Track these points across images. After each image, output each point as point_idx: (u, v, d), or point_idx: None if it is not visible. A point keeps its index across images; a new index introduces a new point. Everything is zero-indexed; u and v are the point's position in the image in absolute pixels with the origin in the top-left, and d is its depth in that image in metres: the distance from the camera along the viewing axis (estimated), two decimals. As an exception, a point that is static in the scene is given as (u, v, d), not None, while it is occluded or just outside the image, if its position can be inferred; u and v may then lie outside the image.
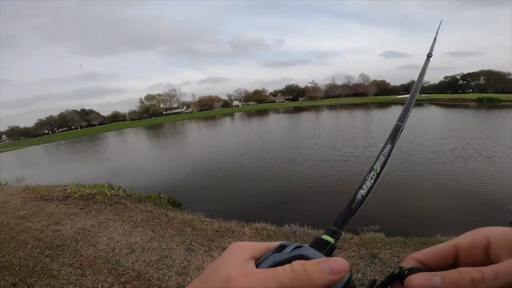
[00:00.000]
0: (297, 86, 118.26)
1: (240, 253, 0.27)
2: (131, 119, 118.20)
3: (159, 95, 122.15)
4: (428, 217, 5.18)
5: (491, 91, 74.79)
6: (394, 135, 0.40)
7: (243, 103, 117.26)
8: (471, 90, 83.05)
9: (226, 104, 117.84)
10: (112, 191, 6.46)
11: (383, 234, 3.88)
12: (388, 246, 3.44)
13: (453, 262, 0.26)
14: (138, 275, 2.95)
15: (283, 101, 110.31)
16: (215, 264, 0.26)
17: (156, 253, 3.44)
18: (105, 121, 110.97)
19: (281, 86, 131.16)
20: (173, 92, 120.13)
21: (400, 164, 8.53)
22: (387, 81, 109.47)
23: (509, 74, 78.94)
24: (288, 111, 51.55)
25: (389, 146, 0.38)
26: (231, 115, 58.00)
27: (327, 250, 0.29)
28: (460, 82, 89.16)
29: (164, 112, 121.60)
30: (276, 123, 28.35)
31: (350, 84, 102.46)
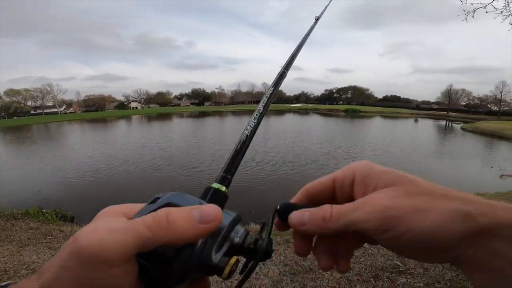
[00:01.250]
0: (204, 90, 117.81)
1: (108, 213, 0.24)
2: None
3: (26, 90, 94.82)
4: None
5: (355, 103, 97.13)
6: (278, 81, 0.43)
7: (143, 106, 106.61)
8: (341, 102, 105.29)
9: (122, 105, 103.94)
10: (-31, 209, 5.14)
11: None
12: (296, 231, 3.97)
13: (333, 195, 0.28)
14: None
15: (188, 105, 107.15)
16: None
17: (68, 271, 2.86)
18: None
19: (187, 90, 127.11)
20: (48, 88, 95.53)
21: (293, 166, 9.72)
22: (283, 91, 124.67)
23: (367, 89, 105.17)
24: (193, 115, 50.33)
25: (271, 89, 0.42)
26: (127, 118, 51.37)
27: (216, 198, 0.26)
28: (335, 95, 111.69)
29: (32, 112, 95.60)
30: (179, 129, 26.94)
31: (253, 92, 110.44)
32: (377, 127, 28.42)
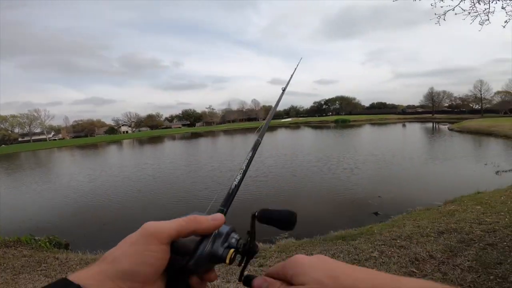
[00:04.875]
0: (194, 111, 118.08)
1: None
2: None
3: (13, 116, 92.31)
4: (321, 219, 6.19)
5: (344, 113, 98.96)
6: (255, 147, 0.54)
7: (134, 129, 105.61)
8: (330, 113, 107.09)
9: (112, 130, 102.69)
10: (-42, 238, 5.22)
11: (294, 239, 4.47)
12: (301, 247, 3.93)
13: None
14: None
15: (179, 127, 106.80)
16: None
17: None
18: None
19: (177, 111, 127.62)
20: (35, 114, 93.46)
21: (298, 182, 9.74)
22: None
23: (354, 99, 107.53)
24: (185, 137, 49.93)
25: (250, 153, 0.52)
26: (118, 142, 50.65)
27: None
28: (324, 106, 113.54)
29: (20, 139, 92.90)
30: (170, 152, 26.66)
31: (244, 109, 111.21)
32: (368, 136, 28.88)
